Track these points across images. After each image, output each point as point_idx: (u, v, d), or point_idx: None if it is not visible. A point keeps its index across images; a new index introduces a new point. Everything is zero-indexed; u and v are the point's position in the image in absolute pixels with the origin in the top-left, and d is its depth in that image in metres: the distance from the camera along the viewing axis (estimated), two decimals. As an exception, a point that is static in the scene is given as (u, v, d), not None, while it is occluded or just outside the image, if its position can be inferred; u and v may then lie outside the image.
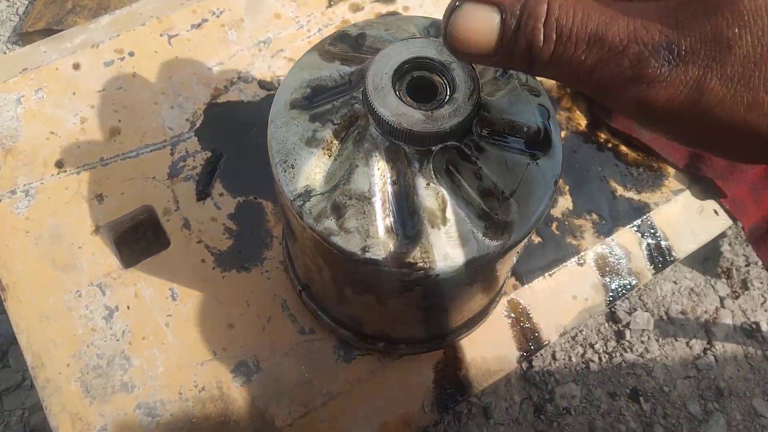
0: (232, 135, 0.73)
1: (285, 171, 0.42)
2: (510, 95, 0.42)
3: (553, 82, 0.81)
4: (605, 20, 0.27)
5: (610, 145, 0.78)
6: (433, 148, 0.39)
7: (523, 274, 0.70)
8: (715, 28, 0.25)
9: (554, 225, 0.73)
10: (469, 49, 0.30)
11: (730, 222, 0.76)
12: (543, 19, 0.28)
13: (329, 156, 0.42)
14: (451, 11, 0.30)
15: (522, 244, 0.42)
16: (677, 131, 0.29)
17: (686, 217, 0.76)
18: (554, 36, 0.28)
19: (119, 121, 0.73)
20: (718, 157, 0.28)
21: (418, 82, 0.40)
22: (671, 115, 0.27)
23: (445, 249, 0.39)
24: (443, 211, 0.40)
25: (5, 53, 1.02)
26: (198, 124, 0.74)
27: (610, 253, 0.72)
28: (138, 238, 0.75)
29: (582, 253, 0.72)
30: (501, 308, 0.68)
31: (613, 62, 0.27)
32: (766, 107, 0.25)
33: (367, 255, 0.40)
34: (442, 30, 0.31)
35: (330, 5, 0.84)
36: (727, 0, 0.25)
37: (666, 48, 0.26)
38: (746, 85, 0.25)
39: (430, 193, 0.40)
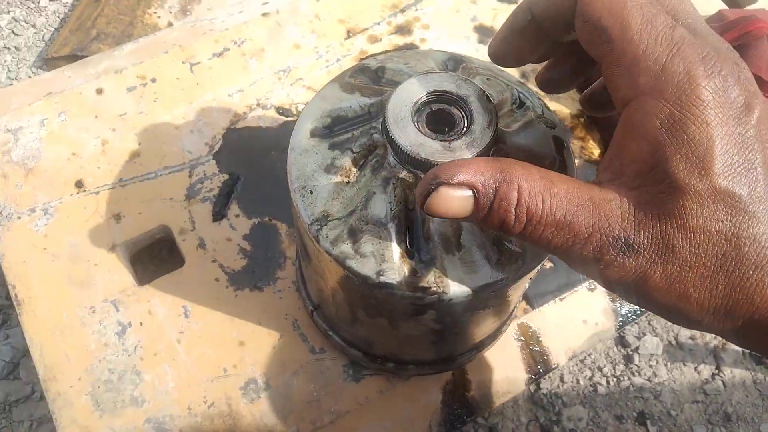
0: (250, 159, 0.75)
1: (303, 196, 0.44)
2: (526, 127, 0.44)
3: (567, 110, 0.82)
4: (572, 210, 0.31)
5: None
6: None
7: (533, 298, 0.71)
8: (664, 233, 0.30)
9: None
10: (446, 217, 0.33)
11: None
12: (514, 205, 0.31)
13: (347, 183, 0.43)
14: (426, 193, 0.33)
15: (534, 271, 0.43)
16: (627, 298, 0.34)
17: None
18: (524, 219, 0.32)
19: (139, 144, 0.75)
20: None
21: (437, 115, 0.42)
22: (622, 289, 0.33)
23: (459, 274, 0.40)
24: (458, 237, 0.41)
25: (30, 77, 1.05)
26: (217, 148, 0.76)
27: (619, 278, 0.73)
28: (153, 257, 0.77)
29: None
30: (511, 331, 0.69)
31: (577, 246, 0.31)
32: (692, 300, 0.30)
33: (382, 279, 0.41)
34: (418, 202, 0.34)
35: (348, 36, 0.86)
36: (676, 213, 0.29)
37: (623, 242, 0.30)
38: (680, 282, 0.30)
39: (446, 220, 0.41)
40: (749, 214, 0.29)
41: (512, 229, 0.32)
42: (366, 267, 0.41)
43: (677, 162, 0.29)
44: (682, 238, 0.30)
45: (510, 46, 0.40)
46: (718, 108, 0.29)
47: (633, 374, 0.86)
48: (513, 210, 0.31)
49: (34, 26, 1.12)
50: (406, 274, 0.41)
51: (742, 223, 0.29)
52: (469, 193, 0.32)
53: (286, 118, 0.79)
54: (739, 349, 0.89)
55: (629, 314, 0.72)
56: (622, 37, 0.31)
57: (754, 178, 0.29)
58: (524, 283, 0.47)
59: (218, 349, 0.65)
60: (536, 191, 0.31)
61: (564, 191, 0.31)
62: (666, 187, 0.30)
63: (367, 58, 0.84)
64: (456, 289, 0.40)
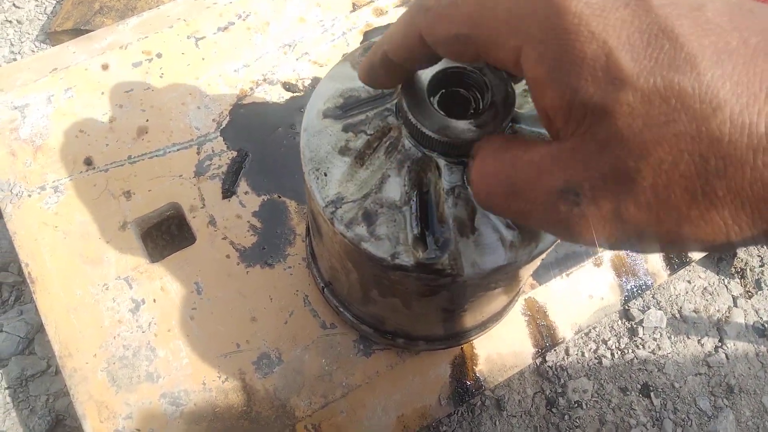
0: (257, 135, 0.75)
1: (318, 178, 0.44)
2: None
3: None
4: (517, 173, 0.29)
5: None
6: (465, 159, 0.41)
7: (541, 274, 0.71)
8: (612, 164, 0.25)
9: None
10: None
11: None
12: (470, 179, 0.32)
13: (361, 165, 0.43)
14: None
15: (548, 251, 0.43)
16: (631, 247, 0.28)
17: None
18: (480, 195, 0.31)
19: (147, 120, 0.75)
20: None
21: (451, 95, 0.41)
22: (611, 244, 0.28)
23: (473, 257, 0.41)
24: (472, 220, 0.41)
25: (33, 51, 1.04)
26: (224, 125, 0.75)
27: (627, 253, 0.74)
28: (163, 233, 0.77)
29: (599, 254, 0.73)
30: (518, 306, 0.70)
31: (534, 212, 0.29)
32: (694, 222, 0.25)
33: (397, 261, 0.41)
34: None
35: (354, 9, 0.85)
36: (615, 138, 0.25)
37: (571, 191, 0.27)
38: (666, 206, 0.25)
39: (461, 203, 0.41)
40: (681, 71, 0.23)
41: (479, 202, 0.32)
42: (381, 249, 0.41)
43: (581, 88, 0.25)
44: (635, 162, 0.24)
45: (374, 77, 0.39)
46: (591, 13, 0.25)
47: (637, 347, 0.87)
48: (472, 181, 0.32)
49: (35, -1, 1.11)
50: (421, 256, 0.41)
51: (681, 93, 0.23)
52: None
53: (292, 94, 0.78)
54: (743, 321, 0.90)
55: (634, 289, 0.73)
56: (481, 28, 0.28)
57: (650, 43, 0.24)
58: (536, 263, 0.48)
59: (231, 325, 0.66)
60: (482, 162, 0.31)
61: (510, 155, 0.30)
62: (589, 118, 0.26)
63: (372, 31, 0.83)
64: (470, 271, 0.41)
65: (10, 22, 1.08)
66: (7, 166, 0.72)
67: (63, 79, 0.76)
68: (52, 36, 1.01)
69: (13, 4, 1.09)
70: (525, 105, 0.44)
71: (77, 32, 0.96)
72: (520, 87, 0.45)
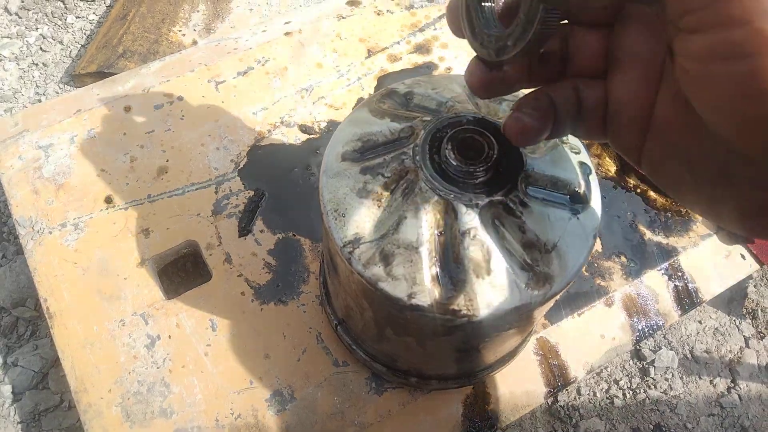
0: (274, 175, 0.77)
1: (336, 219, 0.45)
2: (552, 153, 0.45)
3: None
4: None
5: (639, 190, 0.80)
6: (480, 202, 0.42)
7: (552, 314, 0.72)
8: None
9: (584, 267, 0.75)
10: None
11: (756, 266, 0.78)
12: None
13: (379, 207, 0.45)
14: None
15: (561, 292, 0.44)
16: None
17: (713, 261, 0.78)
18: None
19: (167, 160, 0.77)
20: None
21: (465, 142, 0.43)
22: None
23: (489, 298, 0.42)
24: (488, 261, 0.42)
25: (58, 93, 1.07)
26: (242, 165, 0.77)
27: (638, 294, 0.74)
28: (179, 269, 0.78)
29: (610, 294, 0.74)
30: (531, 345, 0.70)
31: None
32: None
33: (413, 301, 0.42)
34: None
35: (369, 55, 0.88)
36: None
37: None
38: None
39: (476, 245, 0.42)
40: None
41: None
42: (398, 289, 0.42)
43: None
44: None
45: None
46: None
47: (649, 387, 0.87)
48: None
49: (61, 43, 1.15)
50: (437, 297, 0.42)
51: None
52: None
53: (308, 136, 0.80)
54: (755, 362, 0.90)
55: (646, 329, 0.73)
56: None
57: None
58: (550, 304, 0.48)
59: (244, 362, 0.67)
60: None
61: None
62: None
63: (385, 76, 0.86)
64: (485, 312, 0.42)
65: (37, 65, 1.12)
66: (29, 203, 0.74)
67: (86, 120, 0.79)
68: (76, 78, 1.04)
69: (40, 48, 1.13)
70: (538, 151, 0.45)
71: (101, 75, 0.99)
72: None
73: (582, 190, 0.45)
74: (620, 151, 0.36)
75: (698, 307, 0.88)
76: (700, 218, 0.79)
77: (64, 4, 1.19)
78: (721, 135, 0.26)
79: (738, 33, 0.24)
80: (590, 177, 0.46)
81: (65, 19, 1.18)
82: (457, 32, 0.36)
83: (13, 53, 1.12)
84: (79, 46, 1.15)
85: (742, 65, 0.24)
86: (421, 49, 0.88)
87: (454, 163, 0.43)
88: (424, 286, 0.42)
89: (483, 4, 0.33)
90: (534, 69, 0.36)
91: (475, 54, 0.35)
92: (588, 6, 0.33)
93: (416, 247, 0.43)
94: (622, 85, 0.33)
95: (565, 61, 0.36)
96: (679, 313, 0.75)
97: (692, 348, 0.91)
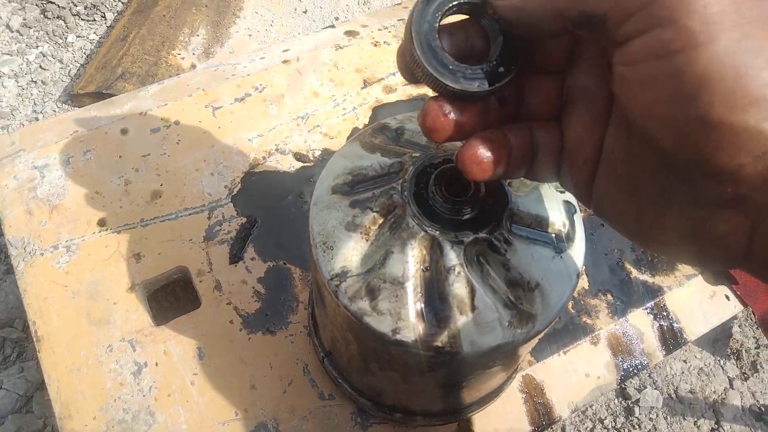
0: (267, 203, 0.77)
1: (324, 252, 0.46)
2: (537, 191, 0.46)
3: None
4: None
5: (625, 229, 0.81)
6: (465, 239, 0.43)
7: (538, 350, 0.72)
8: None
9: (570, 304, 0.75)
10: None
11: (741, 307, 0.78)
12: None
13: (366, 240, 0.45)
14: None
15: (544, 331, 0.45)
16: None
17: (698, 301, 0.78)
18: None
19: (161, 185, 0.78)
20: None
21: (452, 179, 0.44)
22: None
23: (472, 335, 0.42)
24: (472, 298, 0.43)
25: (55, 112, 1.08)
26: (235, 191, 0.78)
27: (623, 333, 0.75)
28: (168, 294, 0.78)
29: (596, 333, 0.74)
30: (516, 383, 0.70)
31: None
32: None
33: (398, 336, 0.43)
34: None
35: (365, 86, 0.89)
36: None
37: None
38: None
39: (461, 281, 0.43)
40: None
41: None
42: (382, 324, 0.43)
43: None
44: None
45: None
46: None
47: (633, 427, 0.87)
48: None
49: (60, 61, 1.16)
50: (421, 333, 0.42)
51: None
52: None
53: (303, 164, 0.81)
54: (739, 404, 0.90)
55: (631, 368, 0.73)
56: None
57: None
58: (534, 342, 0.49)
59: (230, 392, 0.66)
60: None
61: None
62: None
63: (380, 106, 0.87)
64: (469, 349, 0.42)
65: (36, 82, 1.13)
66: (22, 224, 0.74)
67: (83, 141, 0.80)
68: (74, 98, 1.06)
69: (40, 66, 1.15)
70: (523, 189, 0.46)
71: (99, 96, 1.00)
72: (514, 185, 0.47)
73: (566, 229, 0.45)
74: (570, 190, 0.37)
75: (684, 347, 0.88)
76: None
77: (65, 23, 1.20)
78: (656, 141, 0.27)
79: (666, 32, 0.25)
80: (575, 216, 0.46)
81: (66, 38, 1.19)
82: (411, 78, 0.35)
83: (12, 70, 1.13)
84: (78, 65, 1.16)
85: (671, 63, 0.25)
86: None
87: (441, 200, 0.44)
88: (409, 321, 0.43)
89: (441, 42, 0.33)
90: (490, 111, 0.36)
91: (431, 95, 0.35)
92: (537, 28, 0.33)
93: (402, 282, 0.43)
94: (576, 124, 0.34)
95: (519, 104, 0.37)
96: (664, 353, 0.75)
97: (677, 388, 0.91)
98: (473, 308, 0.43)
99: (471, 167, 0.35)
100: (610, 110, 0.33)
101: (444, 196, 0.44)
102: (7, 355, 0.85)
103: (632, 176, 0.31)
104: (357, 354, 0.53)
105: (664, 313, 0.77)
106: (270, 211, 0.77)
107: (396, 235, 0.44)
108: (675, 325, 0.77)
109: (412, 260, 0.43)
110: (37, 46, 1.17)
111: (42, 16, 1.20)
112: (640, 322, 0.76)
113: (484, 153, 0.34)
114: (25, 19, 1.19)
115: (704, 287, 0.79)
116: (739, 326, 0.96)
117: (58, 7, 1.20)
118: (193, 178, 0.78)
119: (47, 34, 1.18)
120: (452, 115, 0.34)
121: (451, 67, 0.33)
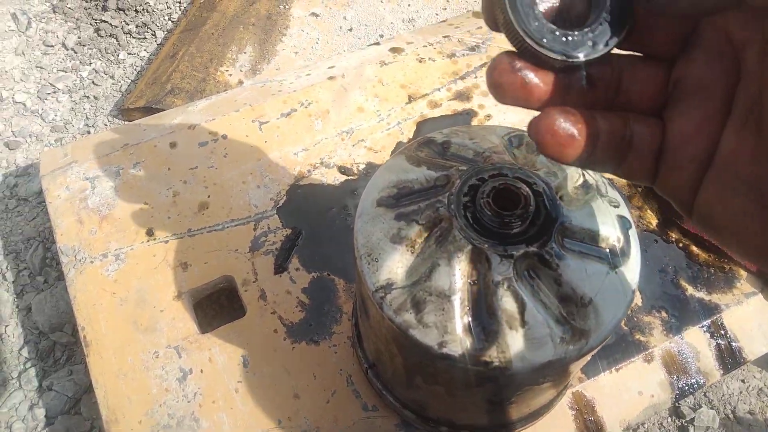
0: (311, 215, 0.78)
1: (369, 264, 0.45)
2: (589, 206, 0.45)
3: (624, 181, 0.82)
4: None
5: (681, 245, 0.79)
6: (515, 253, 0.42)
7: (589, 367, 0.70)
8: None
9: (623, 321, 0.73)
10: None
11: (803, 326, 0.75)
12: None
13: (412, 253, 0.45)
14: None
15: (598, 348, 0.43)
16: None
17: (759, 320, 0.75)
18: None
19: (209, 196, 0.79)
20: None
21: (502, 192, 0.43)
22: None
23: (522, 351, 0.41)
24: (522, 313, 0.41)
25: (106, 125, 1.11)
26: (281, 203, 0.79)
27: (679, 351, 0.72)
28: (213, 303, 0.79)
29: (650, 350, 0.71)
30: (566, 400, 0.68)
31: None
32: None
33: (444, 350, 0.42)
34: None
35: (409, 101, 0.89)
36: None
37: None
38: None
39: (510, 296, 0.42)
40: None
41: None
42: (428, 337, 0.42)
43: None
44: None
45: None
46: None
47: (689, 448, 0.83)
48: None
49: (112, 77, 1.20)
50: (468, 347, 0.41)
51: None
52: None
53: (347, 177, 0.81)
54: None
55: (686, 387, 0.70)
56: None
57: None
58: (586, 359, 0.47)
59: (274, 401, 0.66)
60: None
61: None
62: None
63: (425, 121, 0.87)
64: (519, 365, 0.41)
65: (88, 97, 1.16)
66: (73, 232, 0.76)
67: (133, 154, 0.82)
68: (124, 112, 1.08)
69: (93, 81, 1.18)
70: (576, 203, 0.45)
71: (148, 110, 1.02)
72: (570, 186, 0.46)
73: (621, 244, 0.44)
74: (669, 194, 0.32)
75: (742, 367, 0.84)
76: (744, 275, 0.76)
77: (117, 41, 1.24)
78: None
79: None
80: (630, 231, 0.45)
81: (117, 55, 1.23)
82: (492, 23, 0.31)
83: (66, 86, 1.17)
84: (129, 81, 1.19)
85: None
86: (462, 96, 0.89)
87: (489, 213, 0.43)
88: (456, 335, 0.42)
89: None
90: (573, 89, 0.31)
91: (506, 51, 0.30)
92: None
93: (449, 296, 0.42)
94: (685, 120, 0.30)
95: (615, 91, 0.32)
96: (722, 372, 0.72)
97: (734, 408, 0.87)
98: (523, 323, 0.41)
99: (546, 138, 0.29)
100: (729, 106, 0.29)
101: (493, 209, 0.43)
102: (57, 358, 0.87)
103: (760, 179, 0.27)
104: (401, 367, 0.52)
105: (722, 332, 0.74)
106: (314, 223, 0.77)
107: (442, 248, 0.44)
108: (734, 344, 0.73)
109: (459, 273, 0.43)
110: (90, 63, 1.21)
111: (95, 34, 1.24)
112: (696, 340, 0.73)
113: (565, 125, 0.29)
114: (79, 38, 1.24)
115: (764, 306, 0.75)
116: (802, 345, 0.92)
117: (111, 26, 1.24)
118: (240, 190, 0.79)
119: (100, 51, 1.22)
120: (523, 74, 0.29)
121: (536, 23, 0.28)
